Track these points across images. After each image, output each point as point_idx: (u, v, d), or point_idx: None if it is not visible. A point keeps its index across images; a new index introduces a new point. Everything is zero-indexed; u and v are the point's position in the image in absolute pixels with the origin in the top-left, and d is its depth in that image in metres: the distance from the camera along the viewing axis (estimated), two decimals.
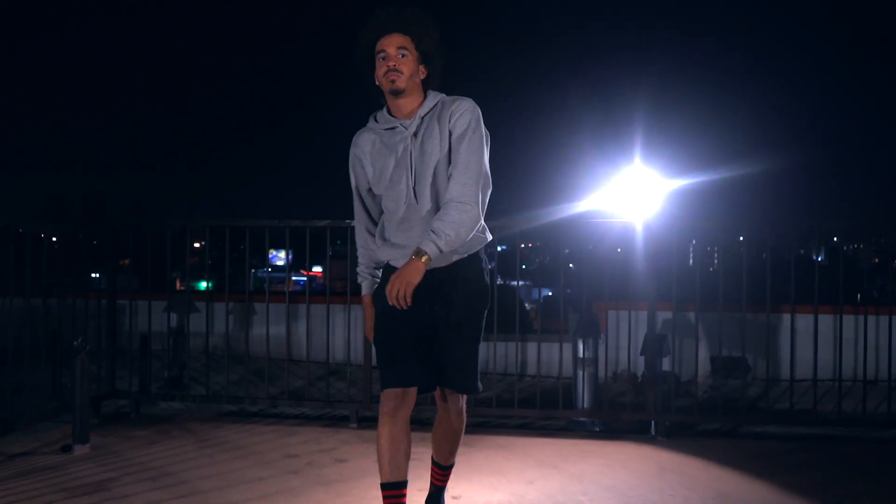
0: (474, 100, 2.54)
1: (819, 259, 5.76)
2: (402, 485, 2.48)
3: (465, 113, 2.49)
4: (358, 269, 2.75)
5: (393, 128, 2.56)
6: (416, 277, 2.34)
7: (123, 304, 5.48)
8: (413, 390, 2.51)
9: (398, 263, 2.53)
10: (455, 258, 2.56)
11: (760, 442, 4.40)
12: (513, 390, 4.92)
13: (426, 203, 2.52)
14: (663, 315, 5.76)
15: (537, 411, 4.72)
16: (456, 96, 2.56)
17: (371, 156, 2.60)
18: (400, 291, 2.31)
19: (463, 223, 2.41)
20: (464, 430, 2.86)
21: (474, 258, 2.61)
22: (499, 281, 5.65)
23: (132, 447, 4.06)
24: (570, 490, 3.47)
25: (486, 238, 2.61)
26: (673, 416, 4.55)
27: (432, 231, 2.39)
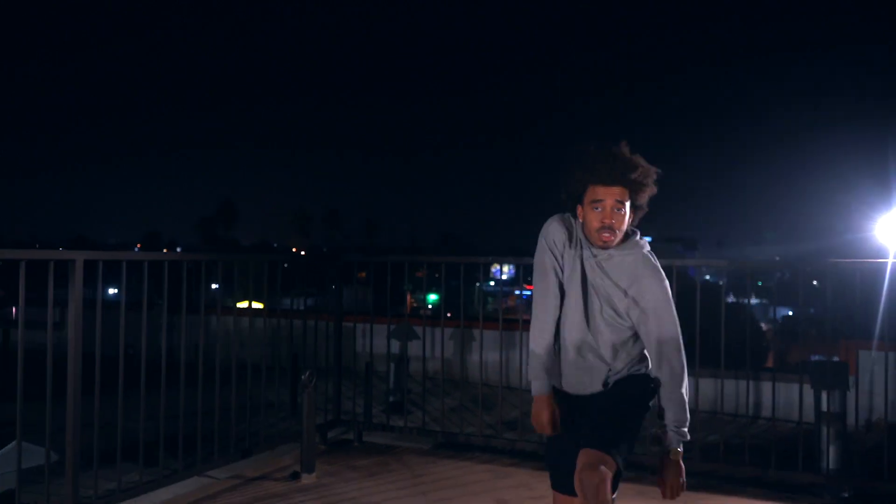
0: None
1: None
2: None
3: (660, 287, 2.51)
4: (531, 364, 2.61)
5: (581, 242, 2.56)
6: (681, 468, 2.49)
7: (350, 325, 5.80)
8: None
9: (566, 383, 2.59)
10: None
11: None
12: (743, 435, 4.48)
13: (597, 335, 2.53)
14: None
15: (772, 472, 4.24)
16: (650, 259, 2.54)
17: (564, 245, 2.56)
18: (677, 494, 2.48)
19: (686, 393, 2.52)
20: None
21: (638, 375, 2.62)
22: (731, 299, 5.24)
23: (353, 478, 4.24)
24: None
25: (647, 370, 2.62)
26: None
27: (676, 426, 2.49)
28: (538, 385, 2.59)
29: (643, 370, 2.61)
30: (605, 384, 2.57)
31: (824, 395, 4.41)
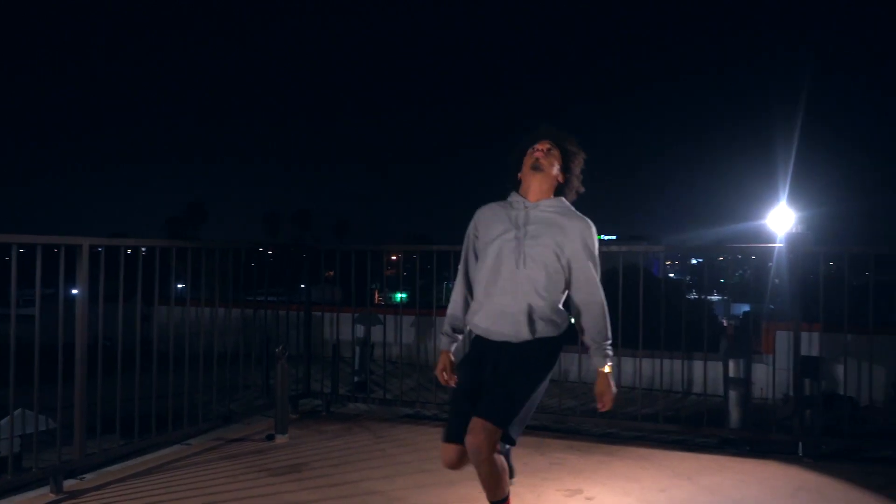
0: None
1: None
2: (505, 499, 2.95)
3: (585, 233, 2.97)
4: (442, 331, 3.17)
5: (514, 203, 3.04)
6: (612, 384, 2.95)
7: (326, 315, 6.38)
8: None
9: (486, 325, 2.97)
10: (530, 337, 2.93)
11: None
12: (661, 406, 5.13)
13: (527, 274, 2.92)
14: (840, 338, 5.70)
15: (679, 426, 4.92)
16: (575, 212, 3.02)
17: (487, 219, 3.07)
18: (608, 403, 2.94)
19: (605, 320, 3.00)
20: (495, 472, 2.87)
21: (550, 340, 2.98)
22: (693, 296, 5.92)
23: (321, 439, 4.83)
24: (698, 500, 3.72)
25: (563, 330, 3.01)
26: (820, 438, 4.57)
27: (598, 344, 2.96)
28: (444, 341, 3.13)
29: (555, 332, 2.95)
30: (527, 329, 2.91)
31: (731, 364, 5.09)
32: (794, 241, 4.58)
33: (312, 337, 6.11)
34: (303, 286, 6.04)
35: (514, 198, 3.07)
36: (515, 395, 2.85)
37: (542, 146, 3.05)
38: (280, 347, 4.76)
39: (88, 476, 3.98)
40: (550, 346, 2.98)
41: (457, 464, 2.93)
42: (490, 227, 3.04)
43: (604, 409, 2.95)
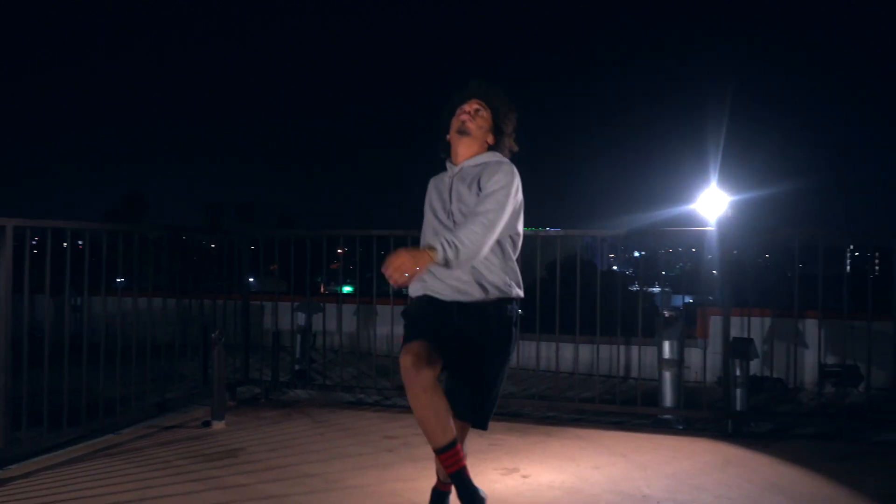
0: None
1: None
2: (454, 443, 2.62)
3: (500, 175, 2.75)
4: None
5: (447, 170, 2.95)
6: (420, 262, 2.48)
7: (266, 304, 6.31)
8: (433, 351, 2.59)
9: (436, 288, 2.80)
10: (483, 296, 2.75)
11: (847, 445, 4.49)
12: (599, 390, 5.23)
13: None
14: (775, 321, 5.90)
15: (616, 407, 5.03)
16: (503, 161, 2.86)
17: (430, 191, 2.98)
18: (397, 266, 2.44)
19: (476, 242, 2.62)
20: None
21: (504, 302, 2.80)
22: (635, 287, 6.02)
23: (259, 425, 4.77)
24: (632, 476, 3.80)
25: (517, 292, 2.84)
26: (749, 416, 4.72)
27: (447, 239, 2.57)
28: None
29: (509, 292, 2.78)
30: (479, 291, 2.73)
31: (665, 346, 5.21)
32: (724, 226, 4.70)
33: (252, 326, 6.03)
34: (246, 277, 5.95)
35: (448, 163, 2.96)
36: (487, 386, 2.77)
37: (470, 107, 2.91)
38: (216, 332, 4.69)
39: (13, 466, 3.85)
40: (508, 311, 2.80)
41: (418, 359, 2.57)
42: (430, 198, 2.96)
43: (385, 271, 2.47)
